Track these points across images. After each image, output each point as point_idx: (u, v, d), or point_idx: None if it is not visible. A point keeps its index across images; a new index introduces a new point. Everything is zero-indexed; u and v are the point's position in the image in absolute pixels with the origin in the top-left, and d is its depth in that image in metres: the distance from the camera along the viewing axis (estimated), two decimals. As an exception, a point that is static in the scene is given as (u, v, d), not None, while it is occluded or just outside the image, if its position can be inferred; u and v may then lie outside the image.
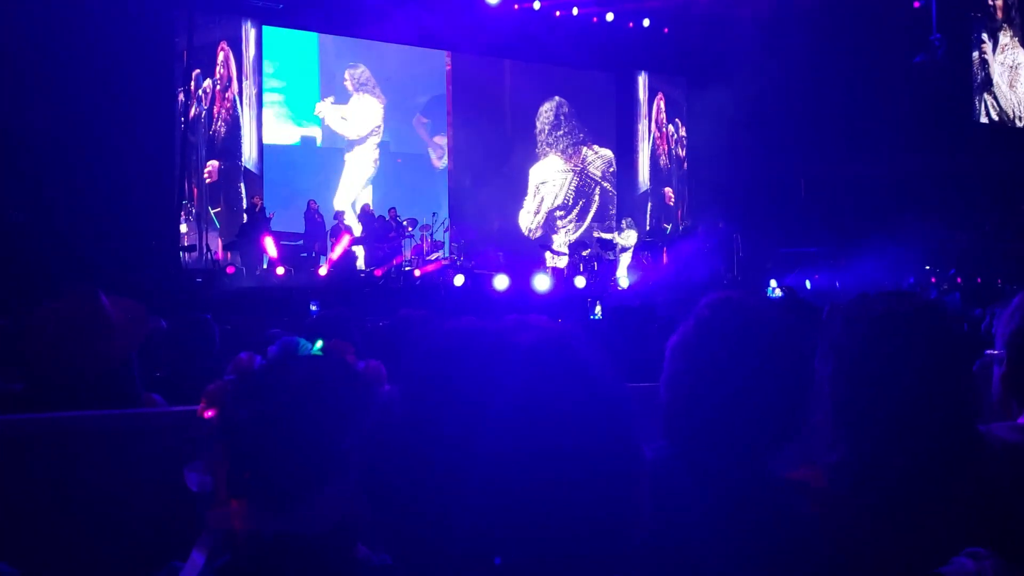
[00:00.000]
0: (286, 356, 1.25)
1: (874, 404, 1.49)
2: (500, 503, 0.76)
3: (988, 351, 1.87)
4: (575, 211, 18.36)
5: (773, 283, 13.11)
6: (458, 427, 0.78)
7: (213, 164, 14.33)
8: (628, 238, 16.28)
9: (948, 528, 1.41)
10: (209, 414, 1.18)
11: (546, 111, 18.19)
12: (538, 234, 17.73)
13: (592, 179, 18.58)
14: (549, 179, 18.25)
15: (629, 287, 13.94)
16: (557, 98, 18.23)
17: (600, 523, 0.79)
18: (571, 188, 18.38)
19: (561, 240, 17.66)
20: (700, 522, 1.31)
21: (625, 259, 15.83)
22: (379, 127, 16.61)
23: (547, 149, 18.26)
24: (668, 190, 18.84)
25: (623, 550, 0.81)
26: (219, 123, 14.42)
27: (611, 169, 18.77)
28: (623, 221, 16.90)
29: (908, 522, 1.44)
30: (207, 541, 1.14)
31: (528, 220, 17.99)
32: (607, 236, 16.29)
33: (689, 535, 1.28)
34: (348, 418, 1.17)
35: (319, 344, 1.29)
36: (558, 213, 18.23)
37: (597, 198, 18.61)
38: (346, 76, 16.34)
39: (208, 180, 14.28)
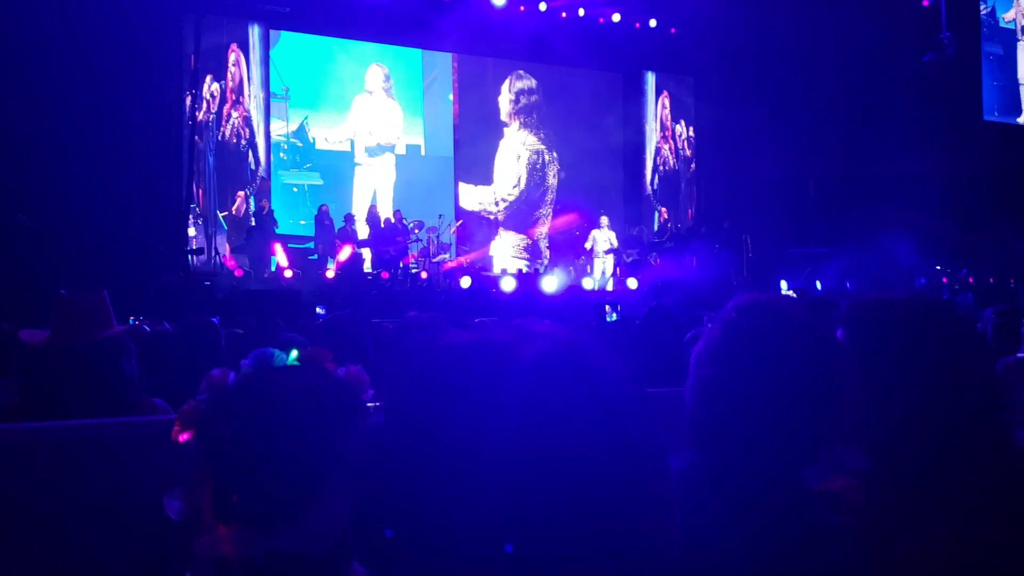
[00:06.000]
0: (261, 369, 1.18)
1: (902, 410, 1.45)
2: (509, 535, 0.68)
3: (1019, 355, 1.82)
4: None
5: (784, 284, 13.04)
6: (457, 454, 0.69)
7: (240, 195, 14.43)
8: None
9: (980, 537, 1.37)
10: (184, 437, 1.12)
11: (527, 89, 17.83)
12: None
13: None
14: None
15: (637, 288, 13.87)
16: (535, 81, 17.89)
17: (624, 556, 0.71)
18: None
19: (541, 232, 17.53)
20: (730, 535, 1.24)
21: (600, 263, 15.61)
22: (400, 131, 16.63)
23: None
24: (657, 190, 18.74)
25: None
26: (229, 126, 14.44)
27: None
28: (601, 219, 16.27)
29: (941, 532, 1.40)
30: (198, 571, 1.08)
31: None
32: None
33: (718, 549, 1.22)
34: (335, 429, 1.10)
35: (295, 354, 1.22)
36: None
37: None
38: (375, 74, 16.33)
39: (237, 214, 14.36)
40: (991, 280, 13.93)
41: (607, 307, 9.04)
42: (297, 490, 1.08)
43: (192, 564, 1.08)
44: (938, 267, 14.80)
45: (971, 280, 13.98)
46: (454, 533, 0.68)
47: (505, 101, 17.54)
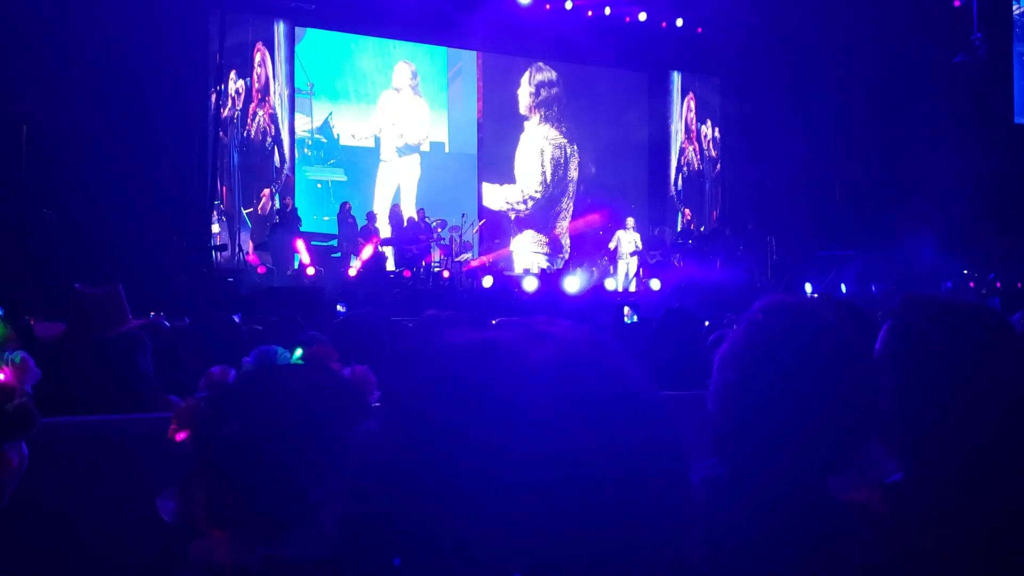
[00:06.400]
0: (263, 368, 1.14)
1: (939, 420, 1.39)
2: (513, 551, 0.61)
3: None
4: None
5: (808, 287, 12.90)
6: (455, 463, 0.62)
7: (265, 193, 14.49)
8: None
9: (1014, 548, 1.32)
10: (181, 436, 1.09)
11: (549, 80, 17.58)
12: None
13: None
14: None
15: (660, 290, 13.77)
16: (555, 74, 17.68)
17: (645, 567, 0.65)
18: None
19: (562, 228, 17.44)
20: (753, 546, 1.19)
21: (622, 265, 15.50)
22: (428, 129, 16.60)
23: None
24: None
25: None
26: (254, 123, 14.50)
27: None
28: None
29: (972, 545, 1.35)
30: None
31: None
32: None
33: (741, 560, 1.17)
34: (339, 431, 1.03)
35: (299, 352, 1.18)
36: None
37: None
38: (402, 71, 16.32)
39: (262, 212, 14.43)
40: (1020, 285, 13.71)
41: (626, 308, 8.95)
42: (296, 494, 1.04)
43: (186, 568, 1.04)
44: (965, 271, 14.58)
45: (999, 284, 13.77)
46: (453, 545, 0.63)
47: (525, 94, 17.40)
